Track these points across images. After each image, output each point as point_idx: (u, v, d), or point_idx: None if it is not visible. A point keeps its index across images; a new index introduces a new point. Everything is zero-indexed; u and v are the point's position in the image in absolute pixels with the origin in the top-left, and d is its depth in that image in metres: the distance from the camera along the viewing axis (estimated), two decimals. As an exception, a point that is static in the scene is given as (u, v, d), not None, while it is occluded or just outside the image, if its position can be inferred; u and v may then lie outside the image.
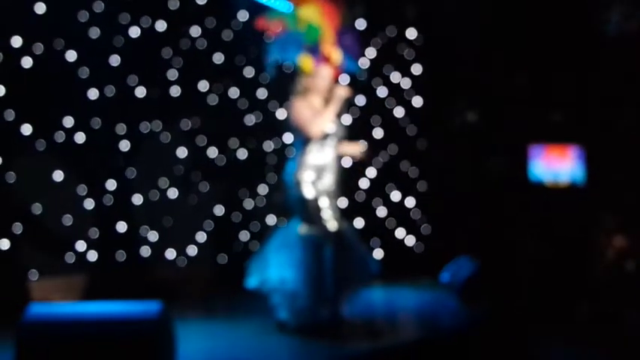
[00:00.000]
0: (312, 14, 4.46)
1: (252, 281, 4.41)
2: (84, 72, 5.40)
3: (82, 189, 5.45)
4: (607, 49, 7.54)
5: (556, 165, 8.33)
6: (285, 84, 4.79)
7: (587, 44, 7.64)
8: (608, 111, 8.19)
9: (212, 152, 6.35)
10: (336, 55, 4.52)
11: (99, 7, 5.47)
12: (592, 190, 8.24)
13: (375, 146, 7.53)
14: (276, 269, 4.31)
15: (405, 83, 7.77)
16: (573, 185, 8.31)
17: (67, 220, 5.34)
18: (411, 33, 7.77)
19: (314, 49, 4.48)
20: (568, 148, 8.34)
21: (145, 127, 5.84)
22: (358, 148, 4.79)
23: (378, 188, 7.61)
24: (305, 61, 4.44)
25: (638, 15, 6.63)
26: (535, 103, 8.08)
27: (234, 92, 6.50)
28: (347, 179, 6.94)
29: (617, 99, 8.21)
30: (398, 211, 7.70)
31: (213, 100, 6.35)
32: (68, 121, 5.30)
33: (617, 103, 8.23)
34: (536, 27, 7.62)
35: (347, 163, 5.49)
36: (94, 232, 5.51)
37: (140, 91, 5.76)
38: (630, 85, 8.01)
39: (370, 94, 7.48)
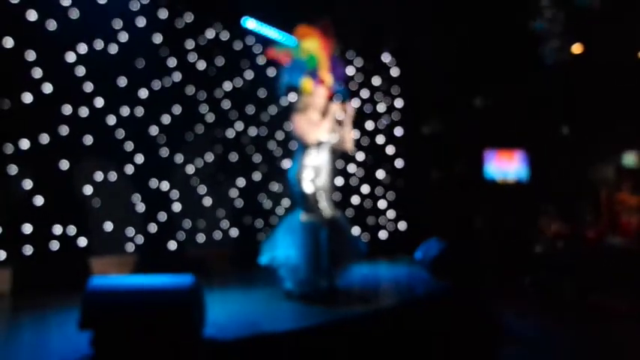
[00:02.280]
0: (311, 46, 4.42)
1: (264, 258, 4.37)
2: (136, 103, 5.49)
3: (131, 187, 5.50)
4: (545, 74, 7.56)
5: (505, 166, 8.35)
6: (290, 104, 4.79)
7: (529, 71, 7.67)
8: (546, 123, 8.22)
9: (233, 157, 6.40)
10: (329, 78, 4.49)
11: (151, 53, 5.58)
12: (533, 185, 8.28)
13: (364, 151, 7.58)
14: (282, 249, 4.28)
15: (387, 101, 7.80)
16: (519, 182, 8.33)
17: (120, 211, 5.37)
18: (391, 61, 7.81)
19: (313, 74, 4.43)
20: (514, 152, 8.36)
21: (179, 138, 5.88)
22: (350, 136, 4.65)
23: (365, 184, 7.65)
24: (306, 83, 4.39)
25: (568, 48, 6.62)
26: (489, 117, 8.11)
27: (250, 109, 6.54)
28: (341, 178, 7.03)
29: (552, 113, 8.25)
30: (382, 203, 7.73)
31: (234, 115, 6.38)
32: (120, 133, 5.35)
33: (553, 116, 8.26)
34: (490, 59, 7.65)
35: (339, 164, 5.42)
36: (142, 221, 5.54)
37: (177, 109, 5.81)
38: (563, 102, 8.06)
39: (359, 110, 7.49)
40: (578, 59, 6.93)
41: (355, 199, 7.44)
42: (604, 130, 8.25)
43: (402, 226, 7.71)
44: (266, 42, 6.03)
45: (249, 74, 6.48)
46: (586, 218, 7.37)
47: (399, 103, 7.80)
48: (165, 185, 5.73)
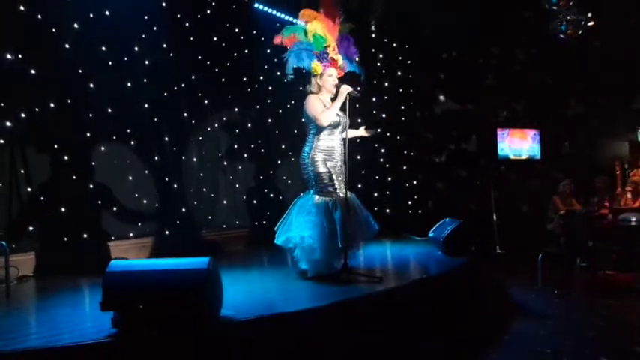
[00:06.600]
0: (317, 28, 4.43)
1: (279, 240, 4.41)
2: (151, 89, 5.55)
3: (149, 171, 5.59)
4: (558, 53, 7.43)
5: (518, 145, 8.33)
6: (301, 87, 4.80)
7: (542, 49, 7.56)
8: (557, 102, 8.14)
9: (248, 140, 6.39)
10: (340, 58, 4.49)
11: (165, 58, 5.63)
12: (544, 163, 8.24)
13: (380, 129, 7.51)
14: (296, 230, 4.30)
15: (402, 84, 7.74)
16: (530, 160, 8.30)
17: (145, 203, 5.51)
18: (400, 37, 7.71)
19: (322, 56, 4.44)
20: (527, 131, 8.34)
21: (195, 123, 5.94)
22: (368, 132, 4.80)
23: (376, 165, 7.64)
24: (316, 65, 4.40)
25: (584, 23, 6.42)
26: (501, 97, 8.04)
27: (264, 91, 6.53)
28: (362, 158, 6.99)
29: (563, 93, 8.15)
30: (392, 183, 7.73)
31: (248, 98, 6.39)
32: (138, 118, 5.42)
33: (564, 96, 8.17)
34: (503, 37, 7.55)
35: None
36: (160, 205, 5.65)
37: (192, 94, 5.82)
38: (574, 81, 7.95)
39: (377, 90, 7.44)
40: (592, 34, 6.75)
41: (368, 180, 7.43)
42: (619, 107, 8.14)
43: (415, 205, 7.69)
44: (275, 25, 6.01)
45: (262, 56, 6.44)
46: (600, 194, 7.32)
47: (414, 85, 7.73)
48: (182, 169, 5.81)
